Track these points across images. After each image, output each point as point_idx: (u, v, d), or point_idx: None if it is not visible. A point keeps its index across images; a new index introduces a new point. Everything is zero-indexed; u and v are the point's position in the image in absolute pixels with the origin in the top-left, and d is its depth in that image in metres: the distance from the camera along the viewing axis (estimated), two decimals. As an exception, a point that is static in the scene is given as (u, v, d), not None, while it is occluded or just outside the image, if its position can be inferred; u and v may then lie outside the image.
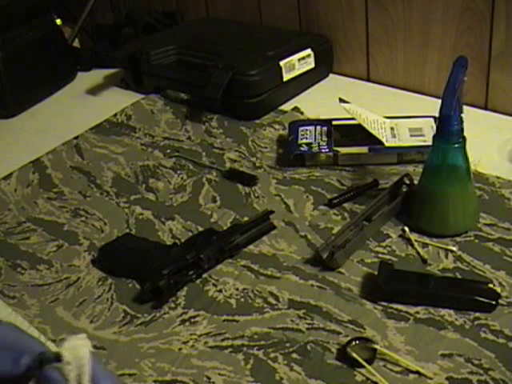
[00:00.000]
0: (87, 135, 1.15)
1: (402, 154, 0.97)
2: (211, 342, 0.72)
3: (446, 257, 0.80)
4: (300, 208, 0.91)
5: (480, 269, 0.78)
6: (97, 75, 1.38)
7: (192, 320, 0.75)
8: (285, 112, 1.15)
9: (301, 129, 1.04)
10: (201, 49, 1.23)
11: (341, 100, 1.00)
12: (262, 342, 0.71)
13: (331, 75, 1.28)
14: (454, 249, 0.81)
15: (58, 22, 1.36)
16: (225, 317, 0.75)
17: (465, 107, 0.77)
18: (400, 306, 0.74)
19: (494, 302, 0.72)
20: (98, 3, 1.44)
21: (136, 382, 0.69)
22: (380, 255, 0.81)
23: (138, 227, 0.91)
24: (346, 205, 0.91)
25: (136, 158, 1.07)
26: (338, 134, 1.02)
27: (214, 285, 0.80)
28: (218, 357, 0.70)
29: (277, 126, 1.10)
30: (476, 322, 0.71)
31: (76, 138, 1.14)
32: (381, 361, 0.67)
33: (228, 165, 1.02)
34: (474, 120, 0.93)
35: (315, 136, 1.02)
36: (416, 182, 0.87)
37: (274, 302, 0.76)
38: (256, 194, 0.95)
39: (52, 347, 0.51)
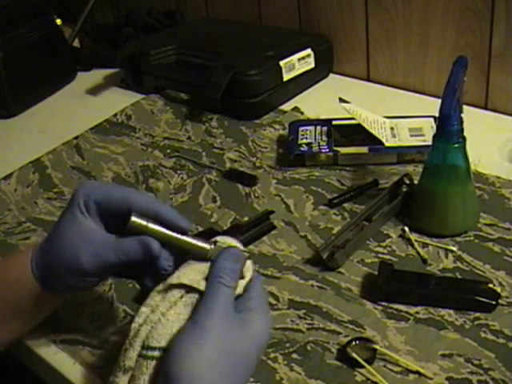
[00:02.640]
0: (87, 135, 1.15)
1: (402, 154, 0.97)
2: (211, 342, 0.72)
3: (446, 257, 0.80)
4: (300, 208, 0.91)
5: (480, 269, 0.78)
6: (97, 75, 1.38)
7: (192, 320, 0.75)
8: (285, 112, 1.15)
9: (301, 129, 1.04)
10: (201, 49, 1.23)
11: (341, 100, 1.00)
12: (262, 342, 0.71)
13: (331, 75, 1.28)
14: (454, 249, 0.81)
15: (58, 21, 1.36)
16: (225, 317, 0.75)
17: (465, 107, 0.77)
18: (400, 306, 0.74)
19: (493, 302, 0.72)
20: (98, 3, 1.44)
21: (136, 382, 0.69)
22: (380, 255, 0.81)
23: (138, 227, 0.91)
24: (346, 205, 0.91)
25: (136, 158, 1.07)
26: (338, 134, 1.02)
27: (214, 285, 0.80)
28: (218, 357, 0.70)
29: (277, 126, 1.10)
30: (476, 322, 0.71)
31: (76, 138, 1.14)
32: (381, 361, 0.67)
33: (228, 165, 1.02)
34: (473, 120, 0.93)
35: (315, 136, 1.02)
36: (416, 181, 0.87)
37: (274, 301, 0.76)
38: (256, 194, 0.95)
39: None
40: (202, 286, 0.59)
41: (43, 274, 0.65)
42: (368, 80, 1.26)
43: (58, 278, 0.64)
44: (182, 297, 0.59)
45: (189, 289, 0.59)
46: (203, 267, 0.61)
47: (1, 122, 1.24)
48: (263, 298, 0.62)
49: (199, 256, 0.62)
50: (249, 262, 0.62)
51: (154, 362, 0.56)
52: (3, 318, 0.67)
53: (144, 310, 0.60)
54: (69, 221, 0.64)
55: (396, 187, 0.88)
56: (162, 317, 0.58)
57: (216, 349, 0.54)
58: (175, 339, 0.56)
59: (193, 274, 0.60)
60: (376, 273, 0.77)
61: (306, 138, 1.01)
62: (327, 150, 0.99)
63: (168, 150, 1.08)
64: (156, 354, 0.56)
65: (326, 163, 0.99)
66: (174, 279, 0.60)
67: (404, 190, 0.88)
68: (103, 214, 0.64)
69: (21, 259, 0.66)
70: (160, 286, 0.61)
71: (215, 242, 0.63)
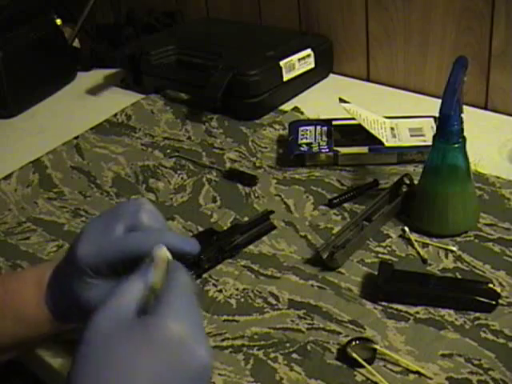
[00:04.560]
0: (87, 135, 1.15)
1: (402, 154, 0.97)
2: (211, 342, 0.72)
3: (446, 257, 0.80)
4: (300, 208, 0.91)
5: (480, 269, 0.78)
6: (97, 75, 1.38)
7: (192, 320, 0.75)
8: (285, 112, 1.15)
9: (301, 129, 1.04)
10: (201, 49, 1.23)
11: (341, 100, 1.00)
12: (262, 342, 0.71)
13: (331, 75, 1.28)
14: (454, 249, 0.81)
15: (58, 22, 1.36)
16: (225, 317, 0.75)
17: (465, 107, 0.77)
18: (400, 306, 0.74)
19: (493, 302, 0.72)
20: (98, 3, 1.44)
21: (136, 382, 0.69)
22: (380, 255, 0.81)
23: (138, 227, 0.91)
24: (346, 205, 0.91)
25: (136, 158, 1.07)
26: (338, 134, 1.02)
27: (214, 285, 0.80)
28: (218, 357, 0.70)
29: (277, 126, 1.10)
30: (476, 322, 0.71)
31: (76, 137, 1.14)
32: (381, 361, 0.67)
33: (228, 165, 1.02)
34: (474, 120, 0.93)
35: (315, 136, 1.02)
36: (416, 181, 0.87)
37: (274, 302, 0.76)
38: (256, 194, 0.95)
39: None
40: None
41: (57, 306, 0.63)
42: (368, 80, 1.26)
43: (69, 298, 0.61)
44: None
45: None
46: None
47: (1, 121, 1.24)
48: (181, 291, 0.49)
49: None
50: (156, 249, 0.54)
51: None
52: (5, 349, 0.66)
53: None
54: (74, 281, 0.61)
55: (396, 187, 0.88)
56: None
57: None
58: None
59: None
60: (376, 273, 0.77)
61: (306, 138, 1.01)
62: (327, 150, 0.99)
63: (168, 150, 1.08)
64: None
65: (326, 163, 0.99)
66: None
67: (404, 190, 0.88)
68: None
69: (32, 294, 0.63)
70: None
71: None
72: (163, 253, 0.53)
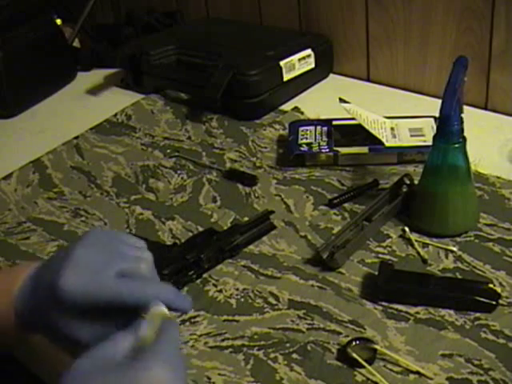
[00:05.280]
0: (87, 135, 1.15)
1: (402, 154, 0.98)
2: (211, 342, 0.72)
3: (446, 257, 0.80)
4: (300, 208, 0.91)
5: (480, 269, 0.78)
6: (97, 75, 1.38)
7: (192, 320, 0.75)
8: (285, 112, 1.15)
9: (301, 129, 1.04)
10: (201, 49, 1.23)
11: (341, 100, 1.00)
12: (262, 342, 0.71)
13: (331, 75, 1.28)
14: (454, 249, 0.81)
15: (58, 21, 1.36)
16: (225, 317, 0.75)
17: (465, 107, 0.77)
18: (400, 306, 0.74)
19: (494, 302, 0.72)
20: (98, 3, 1.44)
21: (136, 382, 0.69)
22: (380, 255, 0.81)
23: (138, 227, 0.91)
24: (346, 205, 0.91)
25: (136, 158, 1.07)
26: (338, 134, 1.02)
27: (214, 285, 0.80)
28: (218, 357, 0.70)
29: (277, 126, 1.10)
30: (476, 322, 0.71)
31: (76, 137, 1.14)
32: (381, 361, 0.67)
33: (228, 165, 1.02)
34: (474, 120, 0.93)
35: (315, 136, 1.02)
36: (416, 181, 0.87)
37: (274, 302, 0.76)
38: (256, 194, 0.95)
39: None
40: None
41: (24, 315, 0.57)
42: (368, 80, 1.26)
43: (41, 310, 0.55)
44: None
45: None
46: None
47: (1, 121, 1.24)
48: (171, 344, 0.50)
49: None
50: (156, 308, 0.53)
51: None
52: None
53: None
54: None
55: (396, 187, 0.88)
56: None
57: None
58: None
59: None
60: (376, 273, 0.77)
61: (306, 138, 1.01)
62: (327, 150, 0.99)
63: (168, 150, 1.08)
64: None
65: (326, 163, 0.99)
66: None
67: (404, 190, 0.88)
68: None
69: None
70: None
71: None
72: (160, 311, 0.53)
